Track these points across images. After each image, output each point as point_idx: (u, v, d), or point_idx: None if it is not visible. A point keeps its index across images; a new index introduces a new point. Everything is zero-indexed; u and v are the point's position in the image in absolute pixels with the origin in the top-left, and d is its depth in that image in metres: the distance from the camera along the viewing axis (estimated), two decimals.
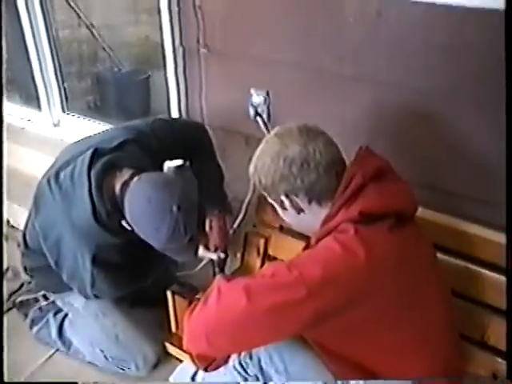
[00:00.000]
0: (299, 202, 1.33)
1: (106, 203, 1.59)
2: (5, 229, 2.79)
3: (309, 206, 1.33)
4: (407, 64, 1.65)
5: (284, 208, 1.37)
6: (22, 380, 1.98)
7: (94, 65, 3.69)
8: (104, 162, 1.61)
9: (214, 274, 1.94)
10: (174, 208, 1.51)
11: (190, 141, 1.92)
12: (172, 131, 1.87)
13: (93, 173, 1.58)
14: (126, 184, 1.59)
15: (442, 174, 1.79)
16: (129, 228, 1.60)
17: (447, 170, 1.77)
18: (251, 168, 1.37)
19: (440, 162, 1.77)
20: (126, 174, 1.62)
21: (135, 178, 1.58)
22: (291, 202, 1.33)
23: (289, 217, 1.41)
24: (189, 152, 1.92)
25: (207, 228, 1.88)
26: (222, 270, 1.89)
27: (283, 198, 1.33)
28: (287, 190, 1.30)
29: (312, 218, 1.35)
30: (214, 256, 1.81)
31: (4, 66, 2.44)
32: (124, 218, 1.59)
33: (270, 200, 1.40)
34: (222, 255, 1.82)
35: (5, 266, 2.51)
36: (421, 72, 1.64)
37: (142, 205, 1.54)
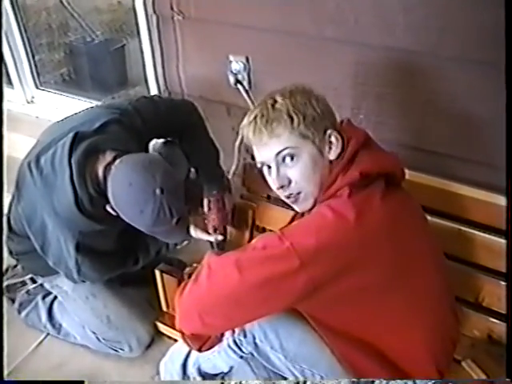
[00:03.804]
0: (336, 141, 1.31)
1: (88, 190, 1.54)
2: None
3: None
4: (388, 24, 1.61)
5: (321, 152, 1.30)
6: (15, 365, 1.95)
7: (66, 35, 3.57)
8: (85, 146, 1.55)
9: None
10: (157, 191, 1.47)
11: (177, 120, 1.85)
12: (157, 110, 1.79)
13: (74, 159, 1.52)
14: (108, 167, 1.54)
15: (429, 135, 1.77)
16: (113, 213, 1.56)
17: (434, 130, 1.75)
18: (282, 114, 1.29)
19: (427, 123, 1.75)
20: (108, 156, 1.56)
21: (117, 161, 1.53)
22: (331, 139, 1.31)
23: (312, 169, 1.31)
24: (177, 132, 1.87)
25: (205, 209, 1.83)
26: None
27: (329, 131, 1.30)
28: (329, 124, 1.31)
29: (324, 171, 1.31)
30: (212, 238, 1.75)
31: None
32: (108, 202, 1.54)
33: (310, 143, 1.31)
34: (220, 237, 1.75)
35: None
36: (403, 31, 1.60)
37: (124, 189, 1.50)
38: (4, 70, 2.82)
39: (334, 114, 1.36)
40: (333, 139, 1.30)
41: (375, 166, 1.26)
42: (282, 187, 1.33)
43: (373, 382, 1.35)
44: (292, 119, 1.27)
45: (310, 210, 1.31)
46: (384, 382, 1.34)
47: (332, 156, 1.30)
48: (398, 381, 1.33)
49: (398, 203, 1.31)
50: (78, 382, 1.77)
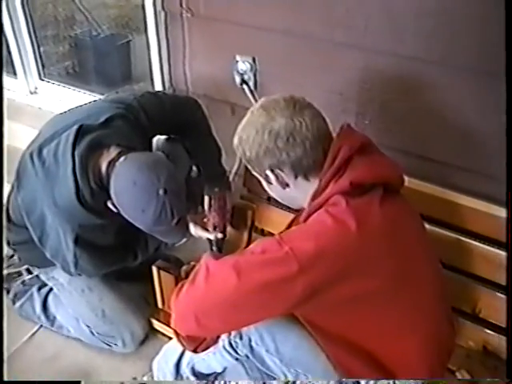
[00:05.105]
0: (284, 177, 1.29)
1: (90, 183, 1.54)
2: None
3: (295, 180, 1.29)
4: (398, 30, 1.61)
5: (269, 182, 1.33)
6: (7, 356, 1.93)
7: (71, 28, 3.58)
8: (89, 140, 1.54)
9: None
10: (161, 191, 1.47)
11: (181, 117, 1.85)
12: (162, 106, 1.79)
13: (77, 152, 1.52)
14: (112, 163, 1.54)
15: (433, 144, 1.77)
16: (114, 210, 1.56)
17: (438, 139, 1.74)
18: (235, 140, 1.32)
19: (431, 132, 1.75)
20: (113, 152, 1.56)
21: (121, 158, 1.53)
22: (276, 176, 1.29)
23: (274, 191, 1.38)
24: (180, 129, 1.87)
25: (206, 207, 1.83)
26: (219, 251, 1.79)
27: (268, 172, 1.29)
28: (272, 164, 1.26)
29: (298, 192, 1.32)
30: (211, 236, 1.74)
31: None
32: (110, 198, 1.54)
33: (255, 173, 1.36)
34: (220, 235, 1.74)
35: None
36: (412, 39, 1.60)
37: (128, 187, 1.50)
38: (9, 60, 2.82)
39: (304, 143, 1.23)
40: (271, 178, 1.30)
41: (369, 175, 1.24)
42: None
43: (358, 382, 1.35)
44: (238, 150, 1.32)
45: (308, 217, 1.28)
46: (371, 382, 1.34)
47: (279, 187, 1.32)
48: (384, 381, 1.33)
49: (396, 211, 1.30)
50: (74, 382, 1.76)
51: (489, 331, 1.66)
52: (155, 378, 1.71)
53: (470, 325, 1.69)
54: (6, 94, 2.91)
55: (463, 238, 1.66)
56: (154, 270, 1.83)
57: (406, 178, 1.38)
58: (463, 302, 1.68)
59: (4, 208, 1.88)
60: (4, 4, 2.61)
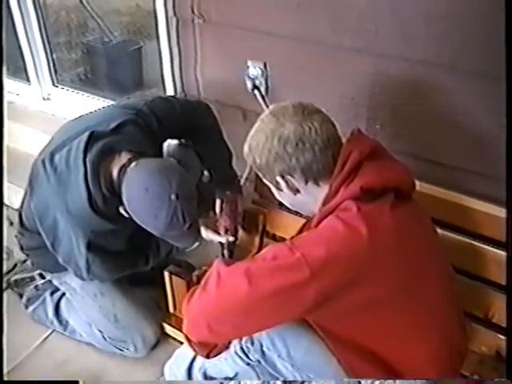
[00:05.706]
0: (295, 183, 1.29)
1: (102, 189, 1.55)
2: None
3: (305, 186, 1.30)
4: (408, 35, 1.61)
5: (279, 189, 1.34)
6: (19, 360, 1.95)
7: (84, 35, 3.61)
8: (100, 146, 1.55)
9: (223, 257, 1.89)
10: (173, 196, 1.48)
11: (192, 121, 1.85)
12: (173, 111, 1.80)
13: (89, 158, 1.53)
14: (123, 168, 1.54)
15: (443, 148, 1.76)
16: (126, 215, 1.57)
17: (449, 143, 1.74)
18: (245, 147, 1.33)
19: (442, 136, 1.74)
20: (124, 158, 1.57)
21: (133, 164, 1.54)
22: (287, 182, 1.29)
23: (285, 198, 1.38)
24: (191, 132, 1.87)
25: (217, 210, 1.84)
26: (231, 254, 1.78)
27: (278, 178, 1.29)
28: (282, 169, 1.27)
29: (309, 198, 1.33)
30: (223, 239, 1.75)
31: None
32: (122, 204, 1.55)
33: (266, 181, 1.36)
34: (231, 238, 1.75)
35: None
36: (421, 43, 1.60)
37: (140, 193, 1.50)
38: (22, 66, 2.84)
39: (313, 148, 1.23)
40: (281, 185, 1.31)
41: (379, 181, 1.24)
42: None
43: (359, 382, 1.35)
44: (249, 158, 1.33)
45: (319, 223, 1.28)
46: (369, 381, 1.33)
47: (290, 193, 1.32)
48: (390, 381, 1.32)
49: (408, 216, 1.30)
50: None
51: (502, 336, 1.65)
52: None
53: (482, 330, 1.68)
54: (20, 101, 2.95)
55: (475, 243, 1.65)
56: (166, 274, 1.84)
57: (417, 183, 1.38)
58: (476, 306, 1.66)
59: (17, 212, 1.90)
60: (18, 11, 2.64)
